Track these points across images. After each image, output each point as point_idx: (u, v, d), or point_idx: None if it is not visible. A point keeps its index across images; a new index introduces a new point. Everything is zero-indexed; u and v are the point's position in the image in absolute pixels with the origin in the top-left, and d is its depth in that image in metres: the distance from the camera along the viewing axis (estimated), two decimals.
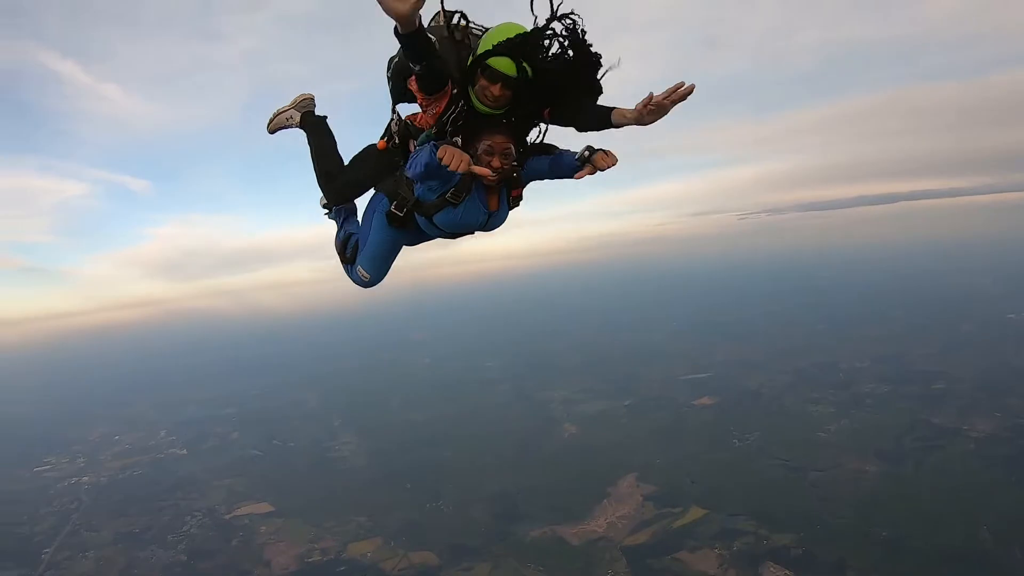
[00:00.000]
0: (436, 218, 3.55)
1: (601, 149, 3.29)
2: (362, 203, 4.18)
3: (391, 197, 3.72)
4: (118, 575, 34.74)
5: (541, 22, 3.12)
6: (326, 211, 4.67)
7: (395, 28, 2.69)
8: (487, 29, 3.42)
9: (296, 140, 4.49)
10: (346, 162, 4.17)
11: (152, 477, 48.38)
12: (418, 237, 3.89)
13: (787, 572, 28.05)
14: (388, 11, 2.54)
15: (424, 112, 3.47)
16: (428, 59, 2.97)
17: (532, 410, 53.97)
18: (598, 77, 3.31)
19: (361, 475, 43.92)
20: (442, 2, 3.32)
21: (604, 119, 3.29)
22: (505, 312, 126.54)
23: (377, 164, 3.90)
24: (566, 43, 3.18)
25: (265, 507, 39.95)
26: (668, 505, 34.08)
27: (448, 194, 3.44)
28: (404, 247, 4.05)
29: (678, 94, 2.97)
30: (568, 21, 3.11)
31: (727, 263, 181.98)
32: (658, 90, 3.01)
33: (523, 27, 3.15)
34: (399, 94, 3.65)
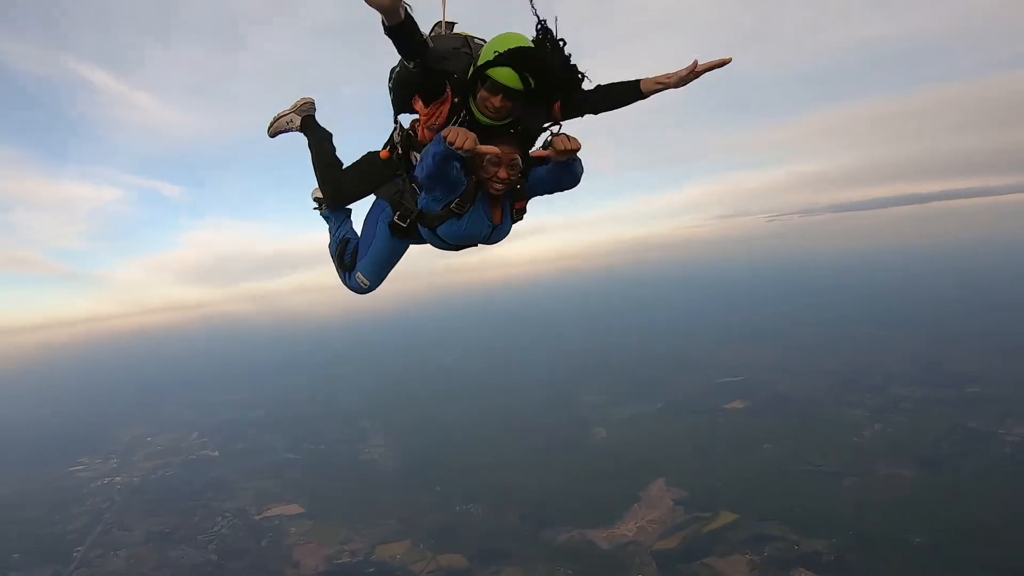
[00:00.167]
0: (440, 230, 3.50)
1: (563, 133, 3.22)
2: (359, 207, 4.19)
3: (394, 207, 3.70)
4: (149, 574, 35.37)
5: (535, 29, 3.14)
6: (317, 208, 4.65)
7: (382, 21, 2.72)
8: (486, 41, 3.38)
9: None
10: (347, 166, 4.14)
11: (184, 478, 49.32)
12: (420, 245, 3.86)
13: None
14: (371, 3, 2.57)
15: (426, 125, 3.46)
16: (420, 55, 3.01)
17: (563, 413, 54.14)
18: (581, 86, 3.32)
19: (391, 477, 44.38)
20: (443, 5, 3.31)
21: (630, 93, 3.34)
22: (537, 316, 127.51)
23: (379, 172, 3.87)
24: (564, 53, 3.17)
25: (295, 508, 40.57)
26: (699, 510, 34.06)
27: (453, 204, 3.39)
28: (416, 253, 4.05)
29: (716, 64, 3.14)
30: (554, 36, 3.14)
31: (758, 266, 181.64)
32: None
33: (524, 37, 3.12)
34: (400, 105, 3.62)
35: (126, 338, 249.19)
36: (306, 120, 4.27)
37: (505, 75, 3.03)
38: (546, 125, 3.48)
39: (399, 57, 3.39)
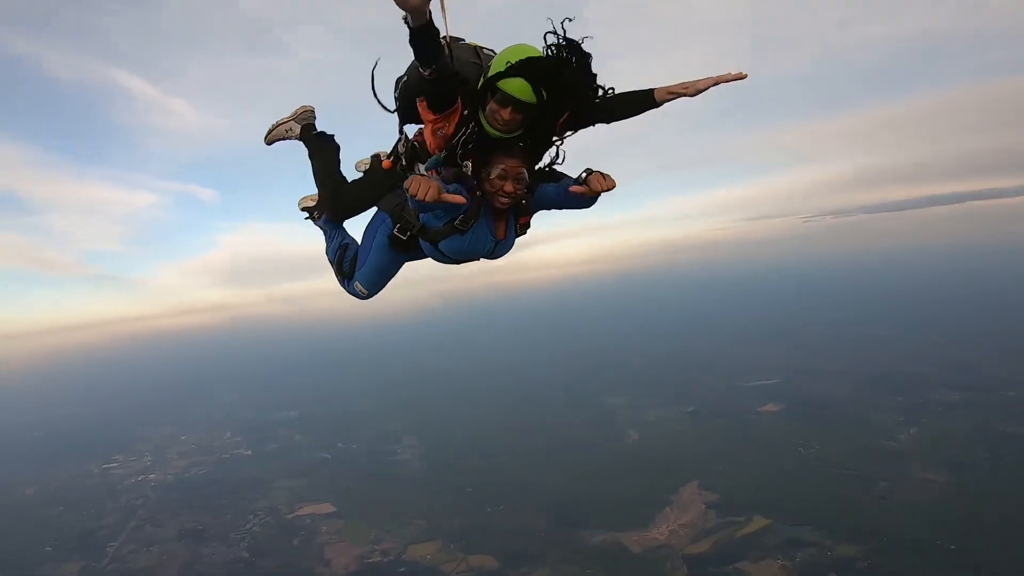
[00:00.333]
0: (442, 245, 3.46)
1: (598, 171, 3.18)
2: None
3: (394, 219, 3.65)
4: (180, 570, 36.01)
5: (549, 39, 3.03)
6: (308, 218, 4.58)
7: (405, 20, 2.67)
8: (495, 52, 3.34)
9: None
10: (345, 174, 4.13)
11: (216, 476, 50.15)
12: (420, 257, 3.83)
13: None
14: (400, 3, 2.53)
15: (434, 135, 3.36)
16: (438, 61, 2.92)
17: (595, 416, 54.20)
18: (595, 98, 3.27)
19: (422, 478, 44.80)
20: (444, 19, 3.14)
21: (643, 102, 3.29)
22: (566, 318, 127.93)
23: (382, 184, 3.81)
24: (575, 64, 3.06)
25: (327, 508, 41.04)
26: (731, 514, 34.04)
27: (456, 221, 3.34)
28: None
29: (732, 78, 3.14)
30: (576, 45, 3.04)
31: (791, 267, 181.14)
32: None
33: (535, 49, 3.04)
34: (406, 114, 3.56)
35: (161, 339, 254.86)
36: (306, 128, 4.21)
37: (516, 87, 2.97)
38: (555, 139, 3.43)
39: (407, 66, 3.42)
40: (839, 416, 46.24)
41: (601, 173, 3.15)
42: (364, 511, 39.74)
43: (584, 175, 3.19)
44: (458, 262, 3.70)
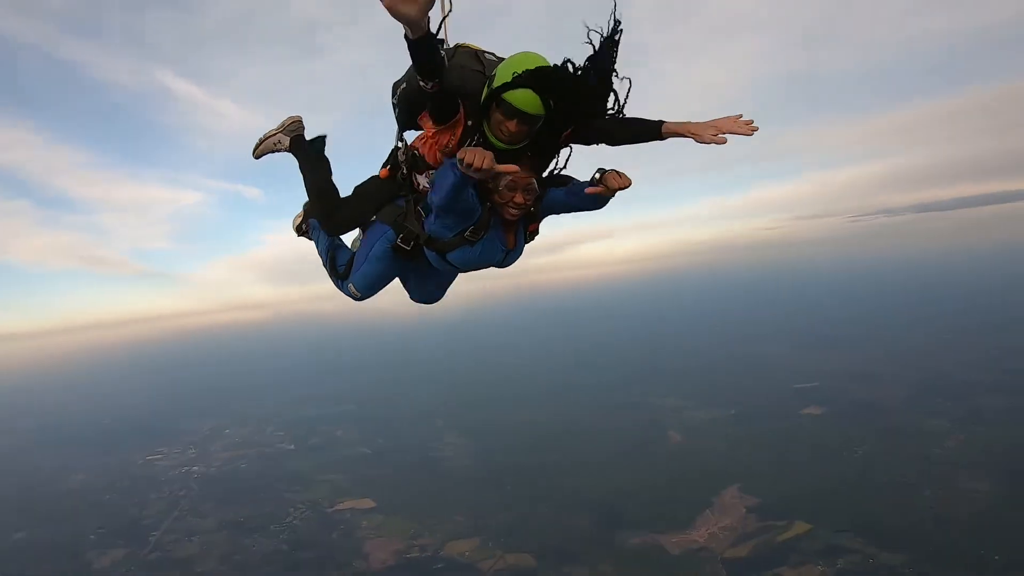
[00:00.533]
0: (450, 256, 3.38)
1: (613, 169, 3.11)
2: None
3: (396, 229, 3.56)
4: (221, 559, 36.85)
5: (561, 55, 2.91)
6: (302, 235, 4.51)
7: (405, 34, 2.60)
8: (500, 59, 3.27)
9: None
10: (340, 187, 3.99)
11: (259, 470, 51.22)
12: (423, 263, 3.71)
13: None
14: (396, 15, 2.44)
15: (436, 146, 3.31)
16: (439, 74, 2.84)
17: (635, 416, 54.27)
18: (609, 108, 3.11)
19: (463, 475, 45.22)
20: (444, 29, 3.04)
21: (648, 133, 3.16)
22: (612, 317, 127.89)
23: (380, 195, 3.69)
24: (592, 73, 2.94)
25: (367, 503, 41.71)
26: (772, 518, 33.88)
27: (467, 232, 3.26)
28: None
29: (743, 132, 2.96)
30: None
31: (839, 268, 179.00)
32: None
33: (543, 58, 2.95)
34: (405, 122, 3.50)
35: (207, 335, 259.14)
36: (295, 140, 4.11)
37: (523, 99, 2.87)
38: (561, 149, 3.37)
39: (404, 71, 3.37)
40: (885, 421, 45.62)
41: (616, 171, 3.10)
42: (404, 507, 40.31)
43: (598, 175, 3.14)
44: (466, 271, 3.64)
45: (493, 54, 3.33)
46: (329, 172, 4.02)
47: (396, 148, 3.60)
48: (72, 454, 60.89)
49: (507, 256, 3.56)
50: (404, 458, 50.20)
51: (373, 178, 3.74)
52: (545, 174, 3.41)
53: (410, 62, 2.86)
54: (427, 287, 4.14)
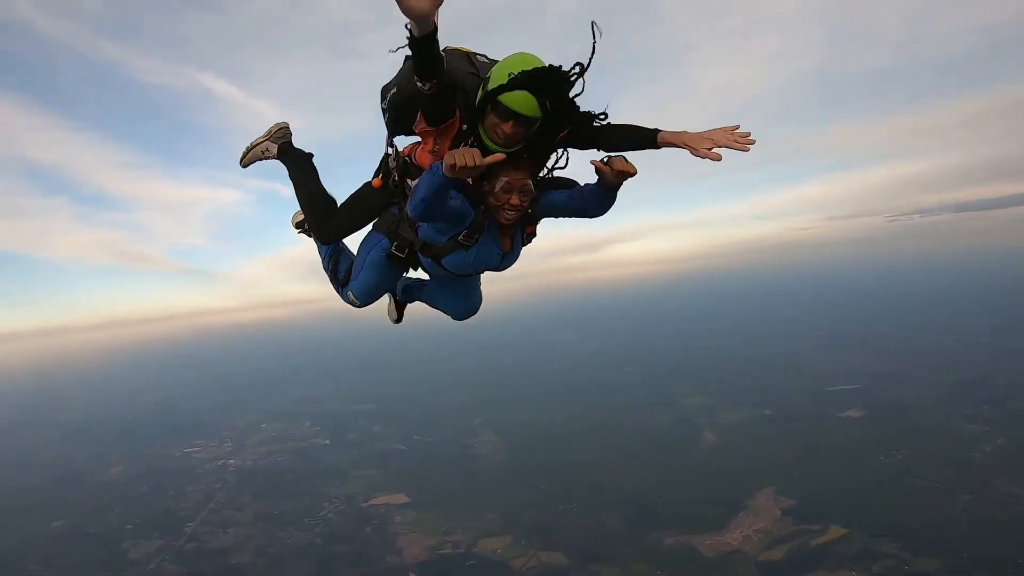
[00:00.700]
0: (445, 261, 3.36)
1: (620, 156, 3.02)
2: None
3: (390, 237, 3.56)
4: (255, 551, 37.71)
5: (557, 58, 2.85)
6: (302, 233, 4.52)
7: (409, 31, 2.56)
8: (493, 61, 3.25)
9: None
10: (333, 191, 3.95)
11: (294, 464, 52.16)
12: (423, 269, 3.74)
13: None
14: (406, 10, 2.39)
15: (430, 151, 3.24)
16: (439, 76, 2.78)
17: (671, 416, 54.23)
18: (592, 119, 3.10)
19: (497, 473, 45.61)
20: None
21: (643, 140, 3.07)
22: (646, 317, 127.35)
23: (373, 204, 3.65)
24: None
25: (401, 498, 42.29)
26: (807, 522, 33.74)
27: (460, 236, 3.21)
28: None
29: (737, 148, 2.85)
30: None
31: (876, 268, 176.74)
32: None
33: (539, 59, 2.88)
34: (395, 127, 3.42)
35: (243, 331, 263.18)
36: (283, 147, 4.09)
37: (518, 100, 2.81)
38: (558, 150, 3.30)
39: (395, 75, 3.31)
40: (923, 424, 45.14)
41: (623, 157, 3.02)
42: (438, 503, 40.83)
43: (606, 158, 3.05)
44: (463, 275, 3.63)
45: (485, 56, 3.31)
46: (316, 174, 4.01)
47: (387, 155, 3.54)
48: (110, 447, 62.54)
49: (503, 259, 3.51)
50: (438, 454, 50.73)
51: (366, 185, 3.69)
52: (541, 175, 3.37)
53: (399, 66, 2.93)
54: (452, 301, 4.11)
